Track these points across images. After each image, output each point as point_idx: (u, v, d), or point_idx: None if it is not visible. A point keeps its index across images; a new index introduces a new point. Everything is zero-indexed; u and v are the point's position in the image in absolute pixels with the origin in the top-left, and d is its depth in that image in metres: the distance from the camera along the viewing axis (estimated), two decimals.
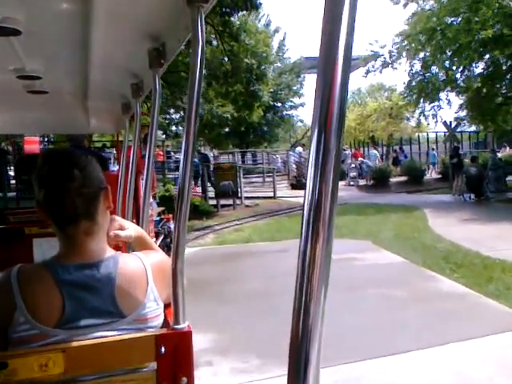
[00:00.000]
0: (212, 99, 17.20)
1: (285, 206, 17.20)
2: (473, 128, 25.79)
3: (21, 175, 8.61)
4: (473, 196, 15.65)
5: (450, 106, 16.81)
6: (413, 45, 16.76)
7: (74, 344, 1.19)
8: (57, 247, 1.35)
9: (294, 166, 22.46)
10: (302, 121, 29.33)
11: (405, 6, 18.46)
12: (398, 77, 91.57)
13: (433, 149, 24.29)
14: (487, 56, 15.06)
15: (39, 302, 1.22)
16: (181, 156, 1.35)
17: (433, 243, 8.47)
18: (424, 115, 17.45)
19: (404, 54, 17.64)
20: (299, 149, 22.84)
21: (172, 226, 8.38)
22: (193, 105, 1.33)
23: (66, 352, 1.16)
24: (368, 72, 17.84)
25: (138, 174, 3.19)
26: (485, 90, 15.34)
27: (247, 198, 17.62)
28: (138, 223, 3.06)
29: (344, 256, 7.49)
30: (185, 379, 1.27)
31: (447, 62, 15.51)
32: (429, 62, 16.41)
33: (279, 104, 24.21)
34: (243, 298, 5.61)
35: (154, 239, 6.27)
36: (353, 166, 22.96)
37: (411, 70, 16.72)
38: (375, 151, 24.51)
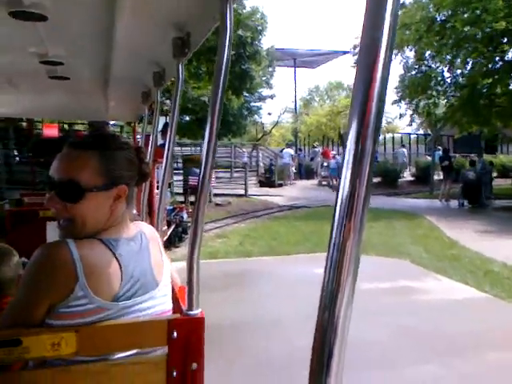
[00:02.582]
0: (186, 79, 14.74)
1: (260, 206, 15.30)
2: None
3: (38, 158, 7.85)
4: (466, 202, 14.42)
5: (447, 103, 15.35)
6: (405, 36, 15.25)
7: (101, 324, 1.18)
8: None
9: (261, 163, 20.58)
10: (270, 114, 27.37)
11: None
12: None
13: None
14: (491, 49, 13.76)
15: (101, 276, 1.18)
16: (203, 147, 1.36)
17: (485, 265, 6.83)
18: (417, 112, 15.98)
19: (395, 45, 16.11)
20: (289, 150, 20.81)
21: (184, 216, 8.65)
22: (217, 97, 1.33)
23: (79, 332, 1.15)
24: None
25: (154, 162, 2.86)
26: (485, 88, 14.07)
27: (216, 195, 15.55)
28: (150, 212, 3.13)
29: (396, 284, 5.66)
30: (195, 365, 1.28)
31: (448, 56, 14.09)
32: (425, 54, 14.96)
33: (247, 94, 22.06)
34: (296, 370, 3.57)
35: (166, 227, 5.99)
36: (325, 164, 21.28)
37: (407, 62, 15.20)
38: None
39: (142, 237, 1.35)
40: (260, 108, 22.62)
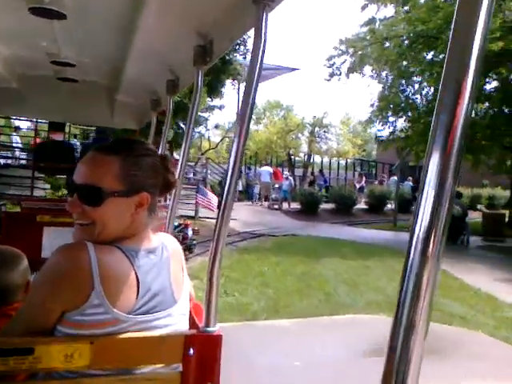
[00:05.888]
0: None
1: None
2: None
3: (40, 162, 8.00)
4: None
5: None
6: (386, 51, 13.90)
7: (122, 336, 1.11)
8: (65, 236, 1.26)
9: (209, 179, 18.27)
10: (217, 126, 25.04)
11: (363, 8, 15.81)
12: (296, 96, 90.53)
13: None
14: None
15: (117, 286, 1.12)
16: (230, 158, 1.30)
17: None
18: (394, 134, 14.56)
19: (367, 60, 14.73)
20: (267, 168, 19.05)
21: (189, 233, 8.36)
22: (247, 108, 1.28)
23: (94, 344, 1.09)
24: (332, 75, 14.48)
25: None
26: None
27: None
28: None
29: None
30: None
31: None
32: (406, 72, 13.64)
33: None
34: None
35: None
36: (276, 186, 19.40)
37: (386, 79, 13.79)
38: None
39: (163, 250, 1.28)
40: (207, 119, 20.29)
